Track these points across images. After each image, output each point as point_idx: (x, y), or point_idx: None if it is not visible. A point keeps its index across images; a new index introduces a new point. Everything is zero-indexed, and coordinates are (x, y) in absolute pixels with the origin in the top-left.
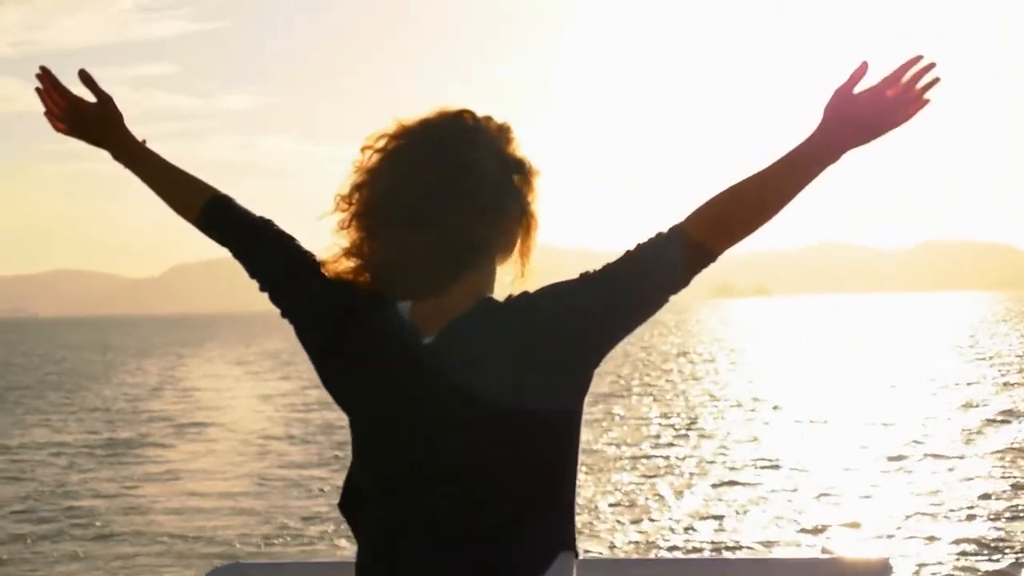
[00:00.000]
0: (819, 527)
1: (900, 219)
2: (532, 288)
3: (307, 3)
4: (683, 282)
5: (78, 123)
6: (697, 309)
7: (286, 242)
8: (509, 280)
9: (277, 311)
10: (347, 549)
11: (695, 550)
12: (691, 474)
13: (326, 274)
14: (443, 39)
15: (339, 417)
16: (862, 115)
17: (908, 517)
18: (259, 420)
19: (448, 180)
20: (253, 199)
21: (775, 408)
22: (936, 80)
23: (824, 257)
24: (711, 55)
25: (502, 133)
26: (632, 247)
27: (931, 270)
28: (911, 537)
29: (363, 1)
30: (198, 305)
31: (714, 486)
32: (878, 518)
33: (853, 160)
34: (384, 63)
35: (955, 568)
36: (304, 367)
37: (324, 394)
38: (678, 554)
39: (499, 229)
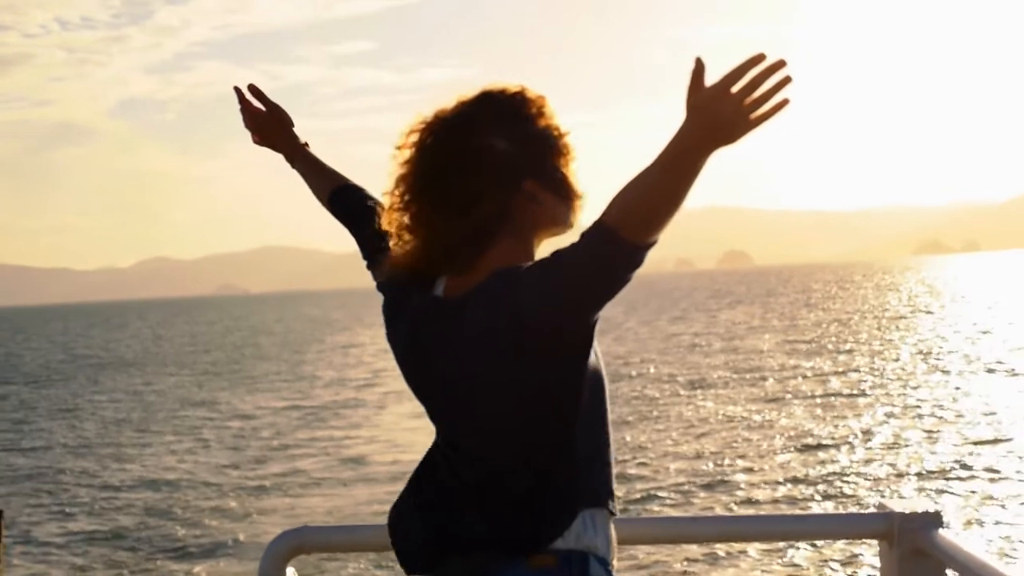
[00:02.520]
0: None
1: None
2: None
3: None
4: (622, 270)
5: (265, 133)
6: (905, 266)
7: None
8: None
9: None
10: None
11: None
12: (889, 420)
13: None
14: (646, 3)
15: None
16: (710, 120)
17: None
18: None
19: (455, 166)
20: None
21: (972, 362)
22: (787, 80)
23: None
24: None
25: (526, 108)
26: (580, 234)
27: None
28: None
29: None
30: None
31: (923, 432)
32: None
33: None
34: (584, 28)
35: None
36: None
37: None
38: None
39: (514, 204)
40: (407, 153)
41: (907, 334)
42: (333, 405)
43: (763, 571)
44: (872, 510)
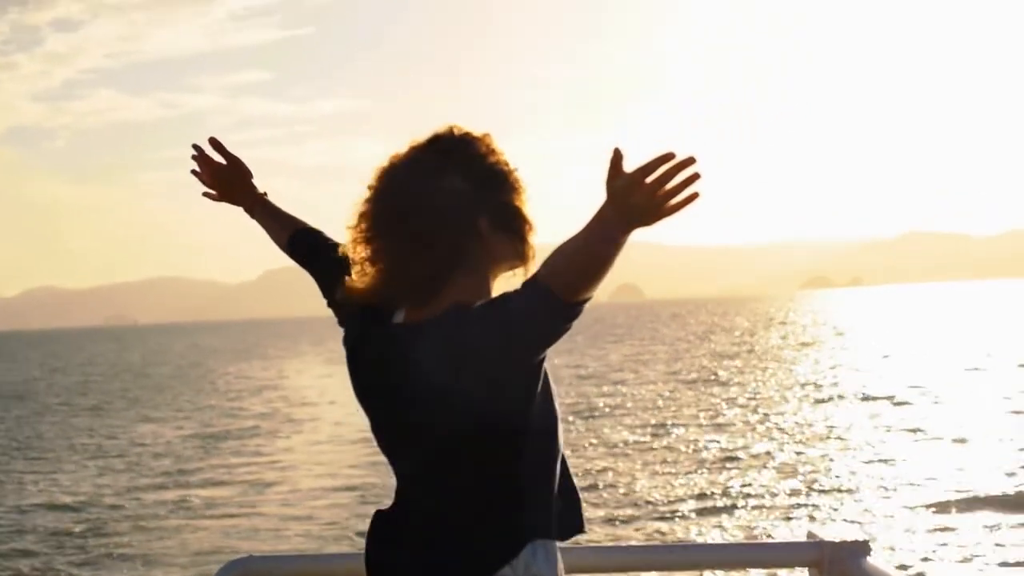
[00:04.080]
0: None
1: (987, 206)
2: None
3: (393, 6)
4: (557, 322)
5: (224, 189)
6: (791, 300)
7: (343, 265)
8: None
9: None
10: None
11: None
12: (757, 457)
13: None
14: (531, 39)
15: None
16: (625, 206)
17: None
18: (356, 414)
19: (413, 207)
20: (346, 204)
21: (842, 395)
22: (696, 176)
23: (915, 246)
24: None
25: (475, 148)
26: (522, 283)
27: (1018, 257)
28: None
29: (449, 4)
30: (294, 308)
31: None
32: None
33: (941, 148)
34: (468, 63)
35: (935, 554)
36: None
37: None
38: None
39: (469, 242)
40: (368, 195)
41: (780, 365)
42: (231, 435)
43: None
44: (802, 539)
